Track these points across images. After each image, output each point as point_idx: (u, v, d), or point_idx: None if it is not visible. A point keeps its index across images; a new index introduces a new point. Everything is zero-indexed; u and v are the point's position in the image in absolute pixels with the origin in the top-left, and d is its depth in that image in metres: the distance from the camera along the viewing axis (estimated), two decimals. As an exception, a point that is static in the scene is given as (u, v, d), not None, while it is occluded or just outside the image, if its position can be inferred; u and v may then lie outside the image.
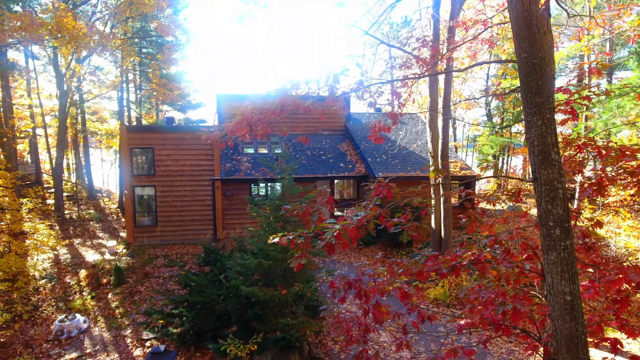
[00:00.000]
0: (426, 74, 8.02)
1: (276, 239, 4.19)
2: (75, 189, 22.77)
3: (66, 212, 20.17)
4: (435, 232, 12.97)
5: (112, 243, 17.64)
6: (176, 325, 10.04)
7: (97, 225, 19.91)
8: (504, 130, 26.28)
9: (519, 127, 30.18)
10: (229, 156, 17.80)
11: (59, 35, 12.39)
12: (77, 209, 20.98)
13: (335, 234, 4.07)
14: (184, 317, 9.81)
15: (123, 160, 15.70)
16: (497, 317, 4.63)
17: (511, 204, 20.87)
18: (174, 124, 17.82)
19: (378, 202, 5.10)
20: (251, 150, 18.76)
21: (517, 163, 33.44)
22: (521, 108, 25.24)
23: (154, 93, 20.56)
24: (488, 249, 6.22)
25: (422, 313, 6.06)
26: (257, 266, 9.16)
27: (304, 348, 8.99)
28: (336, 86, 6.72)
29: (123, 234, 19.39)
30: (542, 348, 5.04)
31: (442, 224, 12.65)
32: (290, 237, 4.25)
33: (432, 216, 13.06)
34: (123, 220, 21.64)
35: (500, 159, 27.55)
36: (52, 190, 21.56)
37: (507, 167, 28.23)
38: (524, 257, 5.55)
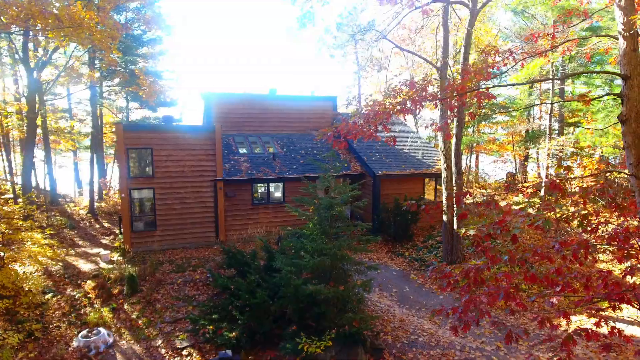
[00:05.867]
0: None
1: (471, 231, 4.56)
2: (33, 193, 20.56)
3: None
4: (447, 225, 13.88)
5: (95, 250, 16.39)
6: (226, 329, 9.78)
7: (72, 232, 18.28)
8: (467, 130, 28.39)
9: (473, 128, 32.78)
10: (225, 156, 17.34)
11: (62, 25, 11.35)
12: (44, 215, 19.03)
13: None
14: (238, 321, 9.62)
15: (119, 161, 14.65)
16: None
17: (485, 197, 22.71)
18: (173, 123, 16.95)
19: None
20: (245, 150, 18.43)
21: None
22: (484, 110, 27.52)
23: (139, 92, 19.14)
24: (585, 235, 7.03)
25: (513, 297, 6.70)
26: (318, 264, 9.27)
27: (366, 340, 9.30)
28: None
29: (104, 241, 18.05)
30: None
31: (454, 218, 13.58)
32: (483, 232, 4.62)
33: (444, 210, 13.98)
34: (97, 226, 20.08)
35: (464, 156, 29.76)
36: (7, 196, 19.27)
37: (471, 163, 30.53)
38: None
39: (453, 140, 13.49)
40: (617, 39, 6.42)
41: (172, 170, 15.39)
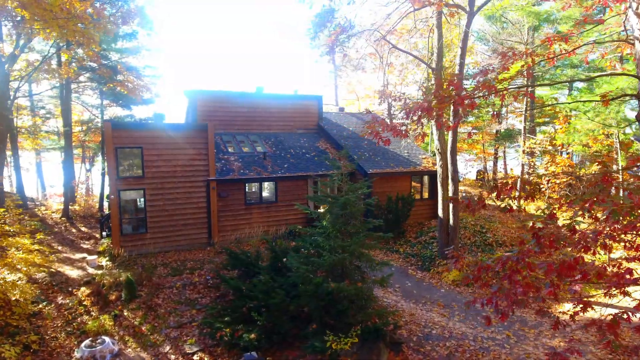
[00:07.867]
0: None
1: (538, 224, 4.79)
2: (15, 196, 19.13)
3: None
4: (442, 221, 14.33)
5: (79, 256, 15.55)
6: (243, 331, 9.59)
7: (49, 237, 17.18)
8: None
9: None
10: (215, 155, 16.93)
11: (57, 16, 10.68)
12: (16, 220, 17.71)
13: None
14: (257, 322, 9.46)
15: (108, 161, 13.93)
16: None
17: (465, 194, 23.64)
18: (163, 121, 16.30)
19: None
20: (234, 149, 18.08)
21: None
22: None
23: (120, 89, 18.08)
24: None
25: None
26: (337, 262, 9.32)
27: (386, 335, 9.44)
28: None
29: (85, 245, 17.12)
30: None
31: (450, 213, 14.05)
32: (548, 223, 4.88)
33: (440, 206, 14.41)
34: (74, 230, 18.99)
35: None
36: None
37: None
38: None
39: (449, 138, 13.94)
40: (631, 43, 6.93)
41: (163, 170, 14.84)
